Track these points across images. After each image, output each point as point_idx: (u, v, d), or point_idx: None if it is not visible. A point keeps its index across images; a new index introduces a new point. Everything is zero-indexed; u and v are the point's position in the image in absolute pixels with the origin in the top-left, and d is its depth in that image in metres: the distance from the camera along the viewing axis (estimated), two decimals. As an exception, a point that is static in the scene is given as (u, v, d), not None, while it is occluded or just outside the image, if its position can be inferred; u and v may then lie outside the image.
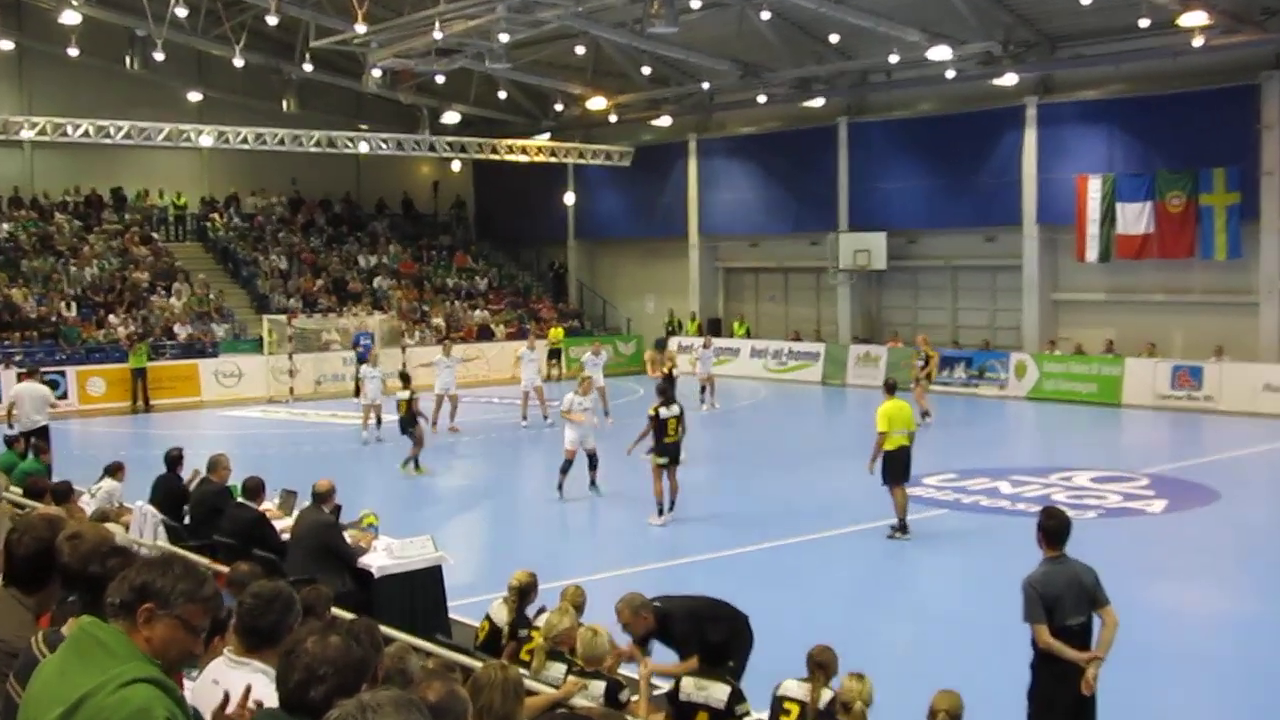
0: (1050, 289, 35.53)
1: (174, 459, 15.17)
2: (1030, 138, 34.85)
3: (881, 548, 17.03)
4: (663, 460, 18.39)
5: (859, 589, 15.15)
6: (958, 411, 32.60)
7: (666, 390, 18.99)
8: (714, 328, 43.53)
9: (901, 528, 17.37)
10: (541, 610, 9.91)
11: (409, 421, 23.47)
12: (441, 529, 16.68)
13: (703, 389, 32.02)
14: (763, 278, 44.36)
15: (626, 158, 44.16)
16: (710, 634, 9.08)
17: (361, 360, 32.79)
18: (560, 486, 20.46)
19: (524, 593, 9.97)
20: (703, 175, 43.79)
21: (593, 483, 20.73)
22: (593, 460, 20.68)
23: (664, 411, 18.48)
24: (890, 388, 18.43)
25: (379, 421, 27.85)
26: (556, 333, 41.50)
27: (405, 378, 24.56)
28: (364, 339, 36.61)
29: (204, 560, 11.60)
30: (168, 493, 14.65)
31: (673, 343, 42.86)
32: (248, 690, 4.35)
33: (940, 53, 32.35)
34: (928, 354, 30.46)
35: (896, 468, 17.44)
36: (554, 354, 40.77)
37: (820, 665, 8.17)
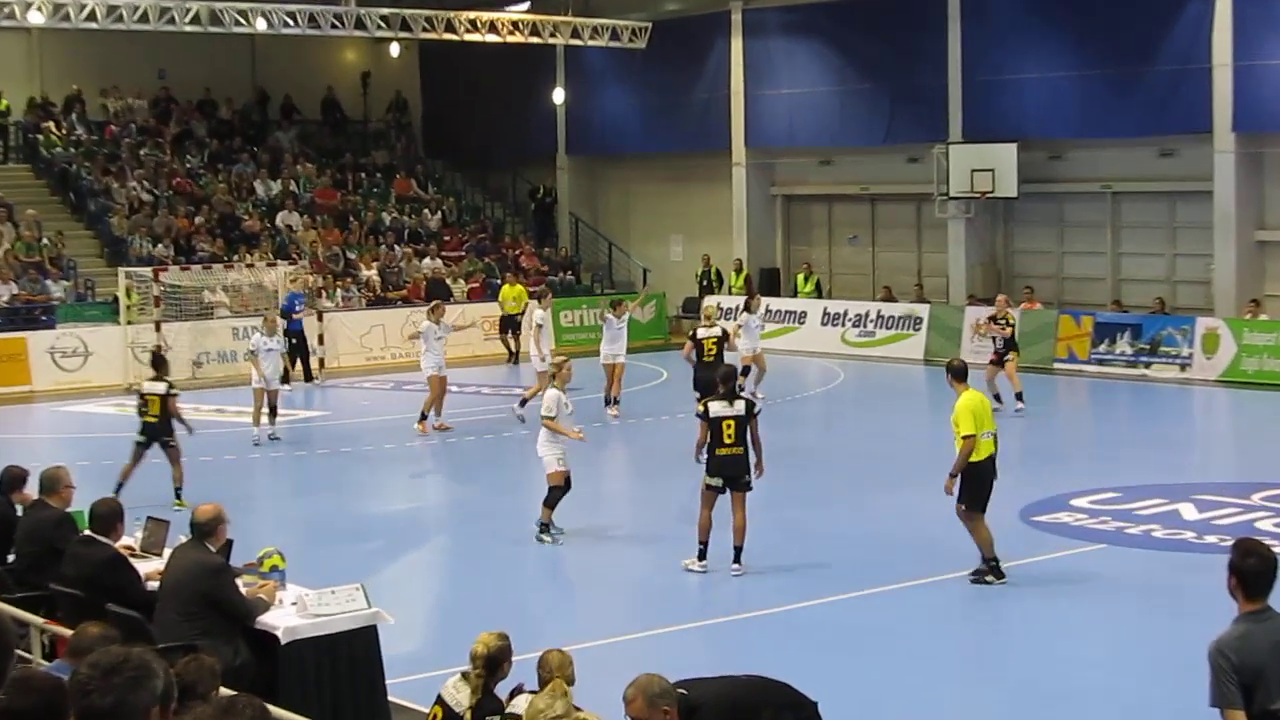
0: (1253, 225, 35.45)
1: (12, 480, 15.21)
2: (1223, 6, 34.72)
3: (1007, 599, 17.03)
4: (716, 481, 17.82)
5: (975, 659, 15.18)
6: (1121, 402, 32.53)
7: (729, 379, 18.30)
8: (769, 281, 43.46)
9: (994, 570, 17.26)
10: (518, 690, 9.97)
11: (161, 429, 22.18)
12: (377, 575, 16.74)
13: (745, 370, 31.80)
14: (840, 210, 44.31)
15: (641, 36, 44.08)
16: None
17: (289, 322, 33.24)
18: (546, 529, 19.79)
19: (494, 663, 10.01)
20: (751, 62, 43.72)
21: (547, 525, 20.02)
22: (566, 485, 19.91)
23: (718, 408, 17.87)
24: (959, 373, 17.87)
25: (274, 412, 28.09)
26: (512, 291, 40.86)
27: (159, 362, 23.39)
28: (298, 302, 36.36)
29: (34, 619, 11.68)
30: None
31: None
32: None
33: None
34: (1007, 318, 30.46)
35: (984, 485, 17.26)
36: (508, 323, 40.06)
37: None
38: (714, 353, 27.18)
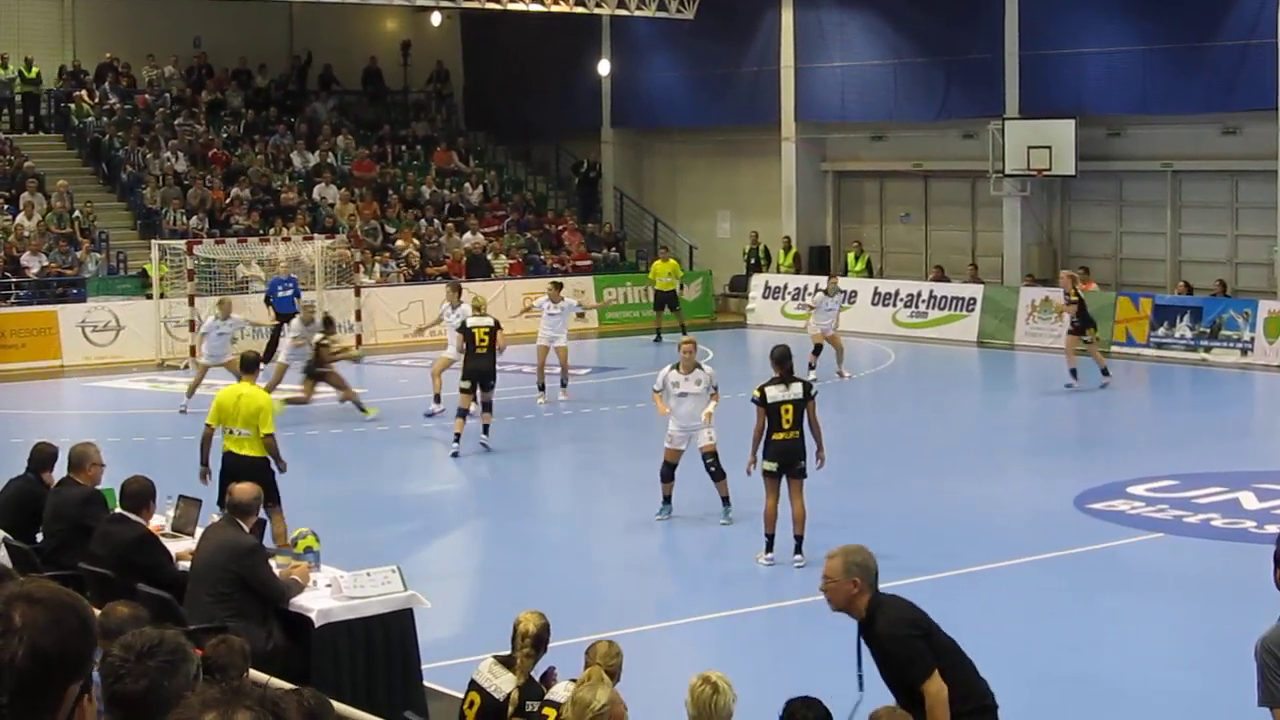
0: (1321, 205, 35.29)
1: (43, 459, 15.29)
2: (1293, -22, 34.55)
3: (1061, 589, 17.02)
4: (771, 466, 17.67)
5: (1027, 650, 15.15)
6: (1181, 387, 32.40)
7: (785, 360, 18.00)
8: (819, 259, 43.39)
9: None
10: (550, 674, 9.98)
11: None
12: (414, 557, 16.79)
13: (816, 350, 32.12)
14: (892, 187, 44.21)
15: (689, 7, 44.00)
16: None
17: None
18: (666, 501, 19.90)
19: (541, 642, 10.01)
20: (802, 33, 43.61)
21: (724, 501, 19.82)
22: (708, 464, 19.69)
23: (775, 393, 17.70)
24: (249, 364, 17.65)
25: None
26: (665, 267, 40.14)
27: None
28: (280, 287, 36.22)
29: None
30: (20, 501, 14.79)
31: (756, 285, 42.87)
32: None
33: None
34: (1070, 293, 30.95)
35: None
36: (662, 300, 39.70)
37: None
38: (485, 344, 25.41)
